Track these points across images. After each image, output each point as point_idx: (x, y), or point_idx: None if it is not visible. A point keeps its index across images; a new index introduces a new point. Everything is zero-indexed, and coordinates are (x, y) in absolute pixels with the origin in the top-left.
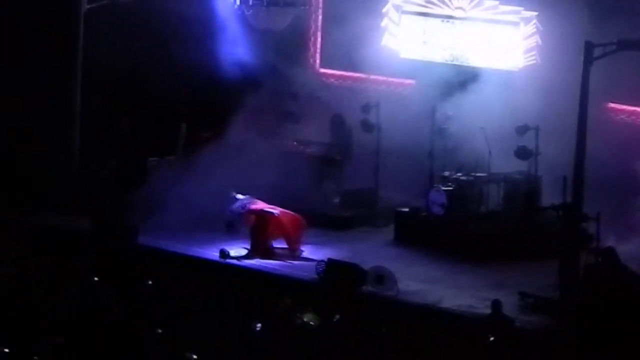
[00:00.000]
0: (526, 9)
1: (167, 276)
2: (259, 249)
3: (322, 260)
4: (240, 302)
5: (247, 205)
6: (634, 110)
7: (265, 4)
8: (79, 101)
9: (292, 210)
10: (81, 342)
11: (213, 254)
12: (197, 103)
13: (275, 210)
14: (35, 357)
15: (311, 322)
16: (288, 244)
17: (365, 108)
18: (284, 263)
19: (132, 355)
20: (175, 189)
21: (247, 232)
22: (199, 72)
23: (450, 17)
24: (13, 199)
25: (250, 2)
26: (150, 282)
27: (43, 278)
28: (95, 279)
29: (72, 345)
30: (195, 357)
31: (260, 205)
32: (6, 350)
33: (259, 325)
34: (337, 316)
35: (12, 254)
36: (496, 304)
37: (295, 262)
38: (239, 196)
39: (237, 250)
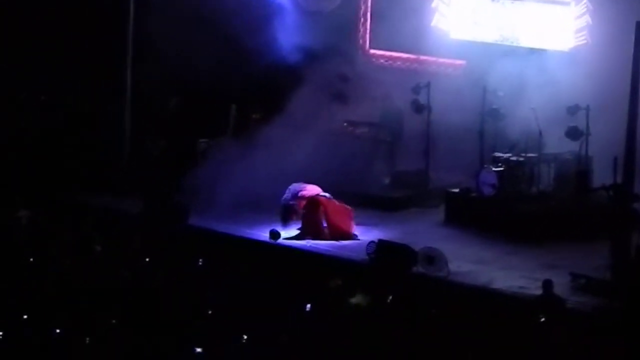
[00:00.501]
0: None
1: (217, 257)
2: (310, 230)
3: (373, 241)
4: (291, 283)
5: (298, 192)
6: None
7: None
8: (130, 82)
9: (343, 192)
10: (133, 322)
11: (263, 235)
12: (247, 84)
13: (325, 194)
14: (87, 338)
15: (361, 303)
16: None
17: (416, 89)
18: (335, 244)
19: (183, 336)
20: (226, 170)
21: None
22: (249, 53)
23: None
24: (65, 181)
25: None
26: (200, 261)
27: (97, 259)
28: (147, 259)
29: (124, 325)
30: (245, 337)
31: (310, 190)
32: (57, 330)
33: (309, 306)
34: (390, 297)
35: (67, 236)
36: (547, 284)
37: (346, 243)
38: (292, 186)
39: (287, 231)
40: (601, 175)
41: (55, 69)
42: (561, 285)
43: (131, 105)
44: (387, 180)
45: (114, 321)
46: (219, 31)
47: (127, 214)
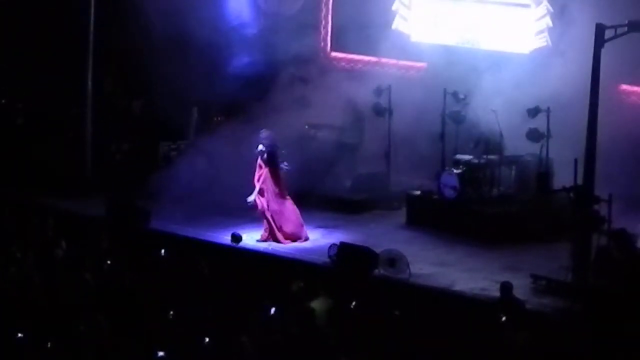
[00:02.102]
0: None
1: (178, 260)
2: (269, 232)
3: (335, 244)
4: (253, 286)
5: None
6: None
7: None
8: (91, 85)
9: (305, 194)
10: (99, 326)
11: (225, 238)
12: (209, 87)
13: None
14: (49, 343)
15: (323, 306)
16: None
17: (377, 92)
18: (297, 247)
19: (146, 339)
20: (188, 173)
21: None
22: (211, 55)
23: None
24: (27, 184)
25: None
26: (161, 264)
27: (59, 263)
28: (108, 262)
29: (91, 331)
30: (207, 339)
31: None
32: (20, 335)
33: (272, 309)
34: (354, 302)
35: (29, 239)
36: (505, 287)
37: (308, 246)
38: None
39: (249, 234)
40: (562, 177)
41: (17, 71)
42: (522, 287)
43: (93, 108)
44: (348, 183)
45: (80, 327)
46: (182, 35)
47: (91, 217)
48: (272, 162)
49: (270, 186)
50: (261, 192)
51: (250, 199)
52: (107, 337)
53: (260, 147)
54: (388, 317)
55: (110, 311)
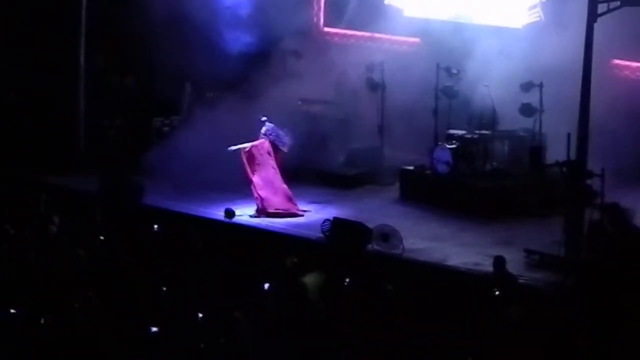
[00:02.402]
0: None
1: (172, 236)
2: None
3: (328, 219)
4: (246, 262)
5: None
6: (639, 67)
7: None
8: (84, 61)
9: (298, 169)
10: (92, 302)
11: (219, 213)
12: (202, 62)
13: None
14: (42, 319)
15: (316, 281)
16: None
17: (370, 67)
18: (290, 222)
19: (138, 313)
20: (181, 149)
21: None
22: (204, 31)
23: None
24: (21, 160)
25: None
26: (154, 238)
27: (54, 239)
28: (102, 237)
29: (84, 306)
30: (200, 315)
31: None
32: (12, 310)
33: (266, 285)
34: (348, 279)
35: (26, 215)
36: (498, 261)
37: (301, 221)
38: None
39: (243, 209)
40: (555, 152)
41: (9, 48)
42: (515, 262)
43: (86, 84)
44: (342, 158)
45: (75, 305)
46: (175, 11)
47: (85, 192)
48: (273, 144)
49: (265, 160)
50: (254, 165)
51: (233, 147)
52: (100, 313)
53: (264, 118)
54: (381, 292)
55: (103, 287)
